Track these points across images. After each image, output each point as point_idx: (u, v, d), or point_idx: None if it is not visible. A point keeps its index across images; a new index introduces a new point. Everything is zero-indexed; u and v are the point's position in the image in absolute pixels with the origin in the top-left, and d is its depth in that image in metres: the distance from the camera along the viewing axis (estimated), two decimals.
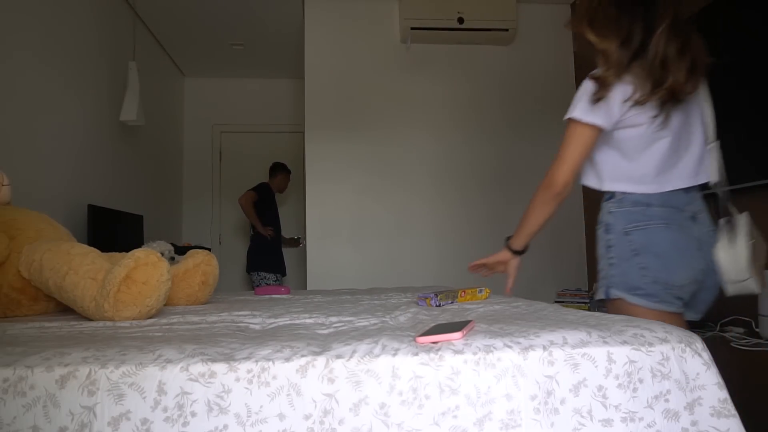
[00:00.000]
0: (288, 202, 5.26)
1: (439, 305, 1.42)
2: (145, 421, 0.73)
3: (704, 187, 1.42)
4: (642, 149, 1.36)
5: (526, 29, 3.81)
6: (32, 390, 0.74)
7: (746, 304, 2.22)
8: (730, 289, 1.37)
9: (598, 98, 1.32)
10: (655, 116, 1.32)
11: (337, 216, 3.64)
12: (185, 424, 0.74)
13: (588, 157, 1.43)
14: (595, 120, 1.33)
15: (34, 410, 0.73)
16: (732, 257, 1.34)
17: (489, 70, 3.81)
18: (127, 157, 3.76)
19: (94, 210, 2.96)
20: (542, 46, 3.85)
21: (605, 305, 1.45)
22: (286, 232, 5.21)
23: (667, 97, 1.30)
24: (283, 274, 4.52)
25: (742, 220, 1.38)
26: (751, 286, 1.34)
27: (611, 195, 1.46)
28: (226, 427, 0.74)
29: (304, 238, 4.10)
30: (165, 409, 0.74)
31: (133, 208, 3.73)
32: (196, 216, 5.15)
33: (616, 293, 1.38)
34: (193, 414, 0.74)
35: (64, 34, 2.89)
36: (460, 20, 3.55)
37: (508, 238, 1.62)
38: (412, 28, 3.57)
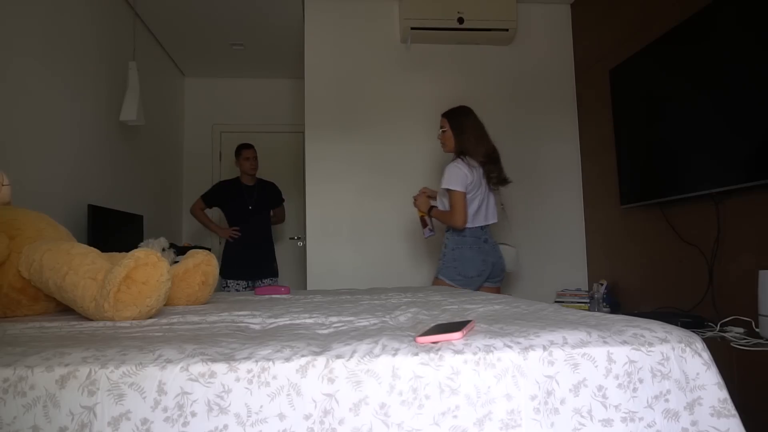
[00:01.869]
0: (288, 202, 5.25)
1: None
2: (145, 421, 0.73)
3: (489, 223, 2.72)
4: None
5: (526, 29, 3.81)
6: (32, 390, 0.74)
7: (746, 304, 2.22)
8: (508, 269, 2.86)
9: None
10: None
11: (337, 216, 3.64)
12: (185, 424, 0.74)
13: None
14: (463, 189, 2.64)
15: (34, 410, 0.73)
16: (506, 257, 2.81)
17: (489, 70, 3.81)
18: (127, 157, 3.76)
19: (94, 210, 2.96)
20: (542, 46, 3.85)
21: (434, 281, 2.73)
22: (287, 232, 5.20)
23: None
24: (255, 278, 3.88)
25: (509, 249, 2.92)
26: (513, 268, 2.93)
27: (449, 228, 2.71)
28: (226, 427, 0.74)
29: (304, 238, 4.08)
30: (165, 409, 0.74)
31: (133, 208, 3.73)
32: None
33: (440, 276, 2.68)
34: (193, 414, 0.74)
35: (64, 34, 2.89)
36: (460, 20, 3.55)
37: (432, 209, 2.78)
38: (412, 28, 3.57)
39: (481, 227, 2.69)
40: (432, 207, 2.77)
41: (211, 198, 3.94)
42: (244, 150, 3.92)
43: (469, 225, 2.64)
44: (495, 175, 2.69)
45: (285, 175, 5.25)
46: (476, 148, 2.65)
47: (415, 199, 2.85)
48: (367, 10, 3.75)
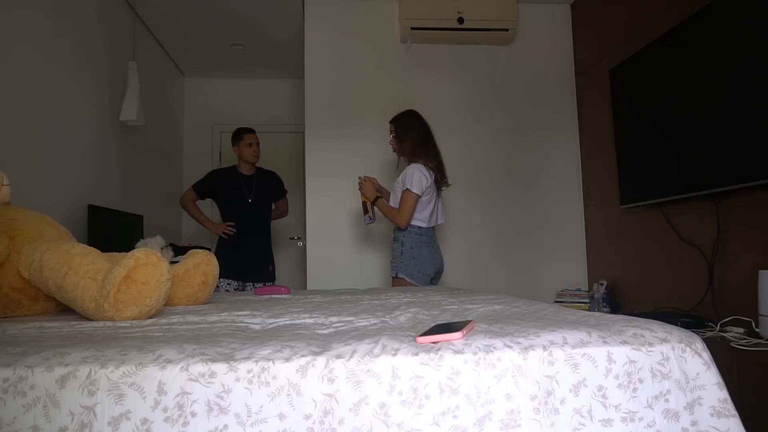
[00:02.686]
0: (288, 202, 5.25)
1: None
2: (145, 421, 0.73)
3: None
4: (424, 207, 2.75)
5: (526, 29, 3.81)
6: (32, 390, 0.74)
7: (746, 304, 2.22)
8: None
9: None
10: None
11: (336, 215, 3.64)
12: (185, 424, 0.73)
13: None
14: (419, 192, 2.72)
15: (34, 410, 0.73)
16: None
17: (489, 70, 3.81)
18: (127, 157, 3.76)
19: (94, 210, 2.96)
20: (542, 46, 3.85)
21: (393, 281, 2.77)
22: (287, 232, 5.20)
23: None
24: (248, 279, 3.43)
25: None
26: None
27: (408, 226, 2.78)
28: (226, 427, 0.74)
29: (305, 238, 4.06)
30: (165, 409, 0.74)
31: (133, 208, 3.73)
32: None
33: (401, 275, 2.71)
34: (193, 414, 0.74)
35: (64, 34, 2.89)
36: (460, 20, 3.55)
37: (377, 198, 2.82)
38: (412, 28, 3.57)
39: (433, 227, 2.84)
40: (378, 197, 2.80)
41: (204, 188, 3.47)
42: (245, 134, 3.43)
43: (425, 225, 2.76)
44: (440, 177, 2.81)
45: (285, 176, 5.21)
46: (424, 151, 2.77)
47: (361, 183, 2.83)
48: (367, 10, 3.75)
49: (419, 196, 2.68)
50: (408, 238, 2.73)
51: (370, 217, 2.84)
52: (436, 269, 2.80)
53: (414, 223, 2.74)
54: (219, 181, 3.47)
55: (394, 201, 2.78)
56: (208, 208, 3.94)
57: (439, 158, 2.82)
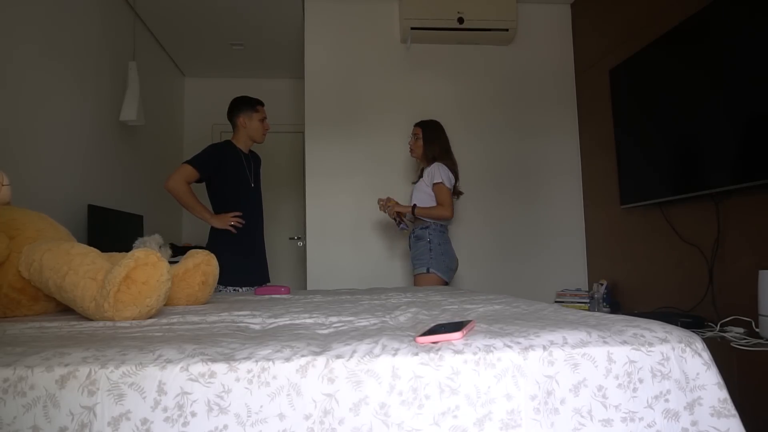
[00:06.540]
0: (288, 202, 5.26)
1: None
2: (145, 421, 0.73)
3: None
4: None
5: (526, 29, 3.81)
6: (32, 390, 0.74)
7: (746, 304, 2.23)
8: None
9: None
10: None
11: (337, 215, 3.64)
12: (185, 424, 0.73)
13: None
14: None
15: (34, 410, 0.73)
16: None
17: (489, 70, 3.81)
18: (127, 157, 3.76)
19: (94, 210, 2.96)
20: (542, 46, 3.85)
21: (417, 278, 2.85)
22: (287, 232, 5.20)
23: None
24: (252, 284, 2.73)
25: None
26: None
27: (425, 224, 2.88)
28: (226, 427, 0.74)
29: (304, 238, 4.05)
30: (165, 409, 0.74)
31: (133, 208, 3.73)
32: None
33: (433, 270, 2.79)
34: (193, 414, 0.74)
35: (65, 34, 2.89)
36: (460, 20, 3.55)
37: (415, 207, 2.87)
38: (412, 28, 3.57)
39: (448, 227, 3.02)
40: (414, 206, 2.90)
41: (207, 164, 2.66)
42: (260, 106, 2.83)
43: (446, 223, 2.92)
44: (457, 186, 2.96)
45: (285, 175, 5.26)
46: (449, 157, 2.94)
47: (384, 205, 2.96)
48: (367, 10, 3.75)
49: (450, 190, 2.84)
50: (435, 235, 2.84)
51: (405, 225, 2.98)
52: (456, 266, 2.95)
53: (438, 221, 2.88)
54: (223, 157, 2.73)
55: (417, 199, 2.91)
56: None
57: (457, 169, 2.97)
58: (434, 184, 2.82)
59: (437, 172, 2.82)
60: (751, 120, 2.15)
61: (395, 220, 2.99)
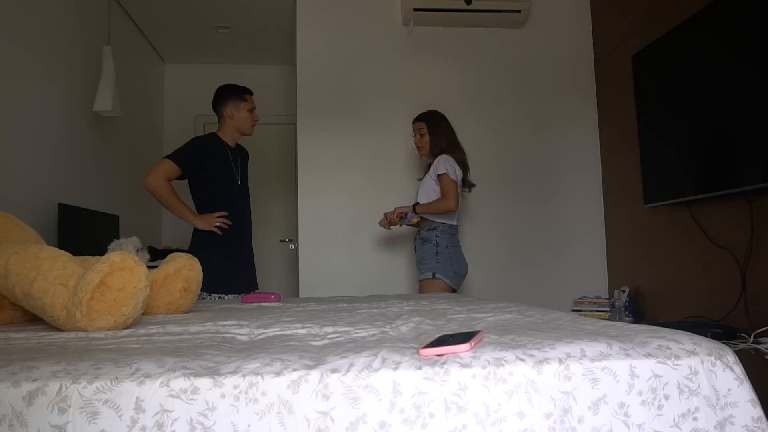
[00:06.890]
0: (278, 201, 5.26)
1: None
2: None
3: None
4: None
5: (541, 10, 3.81)
6: None
7: None
8: None
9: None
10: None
11: (332, 216, 3.64)
12: None
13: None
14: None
15: None
16: None
17: (499, 55, 3.81)
18: (101, 152, 3.77)
19: (64, 209, 2.96)
20: (558, 28, 3.85)
21: (422, 283, 2.86)
22: (277, 234, 5.19)
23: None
24: (238, 291, 2.70)
25: None
26: None
27: (432, 226, 2.90)
28: None
29: (296, 240, 4.05)
30: (143, 429, 0.74)
31: (108, 208, 3.73)
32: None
33: (439, 276, 2.79)
34: None
35: (33, 16, 2.89)
36: (468, 1, 3.55)
37: (416, 204, 2.90)
38: (415, 10, 3.58)
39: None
40: (415, 203, 2.92)
41: (191, 160, 2.67)
42: (248, 95, 2.84)
43: (455, 223, 2.93)
44: (467, 179, 2.99)
45: (274, 172, 5.26)
46: (457, 149, 2.95)
47: (390, 217, 2.97)
48: None
49: (456, 181, 2.83)
50: (442, 238, 2.86)
51: (410, 216, 2.98)
52: (466, 271, 2.95)
53: (446, 221, 2.88)
54: (207, 151, 2.74)
55: (422, 196, 2.95)
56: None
57: (466, 161, 2.98)
58: (438, 175, 2.85)
59: (441, 164, 2.85)
60: (754, 121, 2.15)
61: (399, 224, 3.01)
